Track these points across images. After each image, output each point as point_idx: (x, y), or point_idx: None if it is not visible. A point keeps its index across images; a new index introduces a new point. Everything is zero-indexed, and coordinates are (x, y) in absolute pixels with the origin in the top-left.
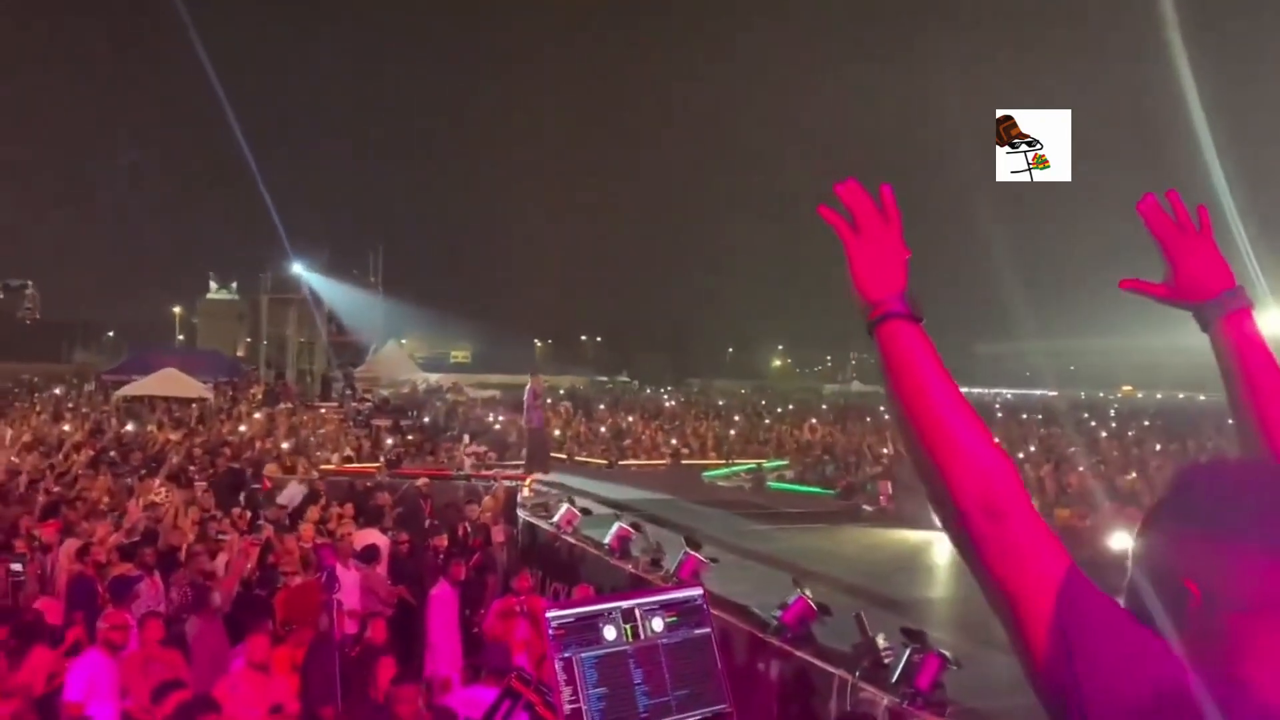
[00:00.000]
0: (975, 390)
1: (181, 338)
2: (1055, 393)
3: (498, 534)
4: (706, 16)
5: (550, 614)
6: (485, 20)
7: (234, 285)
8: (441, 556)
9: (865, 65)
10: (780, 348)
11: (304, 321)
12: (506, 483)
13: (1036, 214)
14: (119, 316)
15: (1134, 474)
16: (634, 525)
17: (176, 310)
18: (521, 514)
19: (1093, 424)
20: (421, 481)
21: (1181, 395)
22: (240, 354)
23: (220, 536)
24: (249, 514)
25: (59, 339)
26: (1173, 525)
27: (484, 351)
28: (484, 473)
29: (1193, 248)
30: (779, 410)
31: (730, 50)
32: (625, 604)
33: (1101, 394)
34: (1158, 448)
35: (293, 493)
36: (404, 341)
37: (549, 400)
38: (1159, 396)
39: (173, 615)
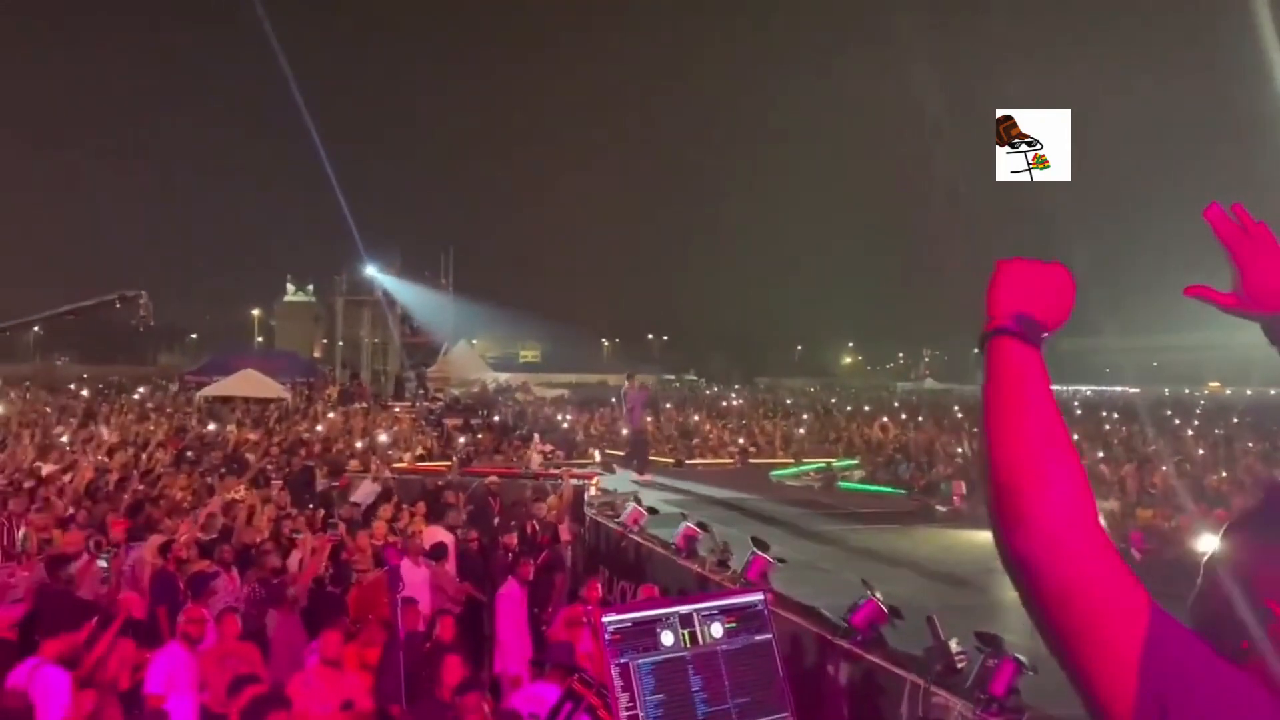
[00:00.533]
0: (1053, 387)
1: (260, 339)
2: (1136, 389)
3: (564, 532)
4: (778, 15)
5: (606, 619)
6: (552, 24)
7: (310, 288)
8: (511, 555)
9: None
10: (850, 345)
11: (378, 323)
12: (574, 481)
13: (1118, 208)
14: (201, 319)
15: (1223, 473)
16: (701, 525)
17: (255, 313)
18: (589, 513)
19: (1176, 421)
20: (491, 480)
21: (1274, 392)
22: (316, 355)
23: (295, 534)
24: (322, 512)
25: (145, 342)
26: (1257, 541)
27: (552, 351)
28: (551, 471)
29: (1263, 255)
30: (849, 409)
31: (800, 51)
32: (683, 609)
33: (1187, 390)
34: (1249, 445)
35: (366, 491)
36: (474, 342)
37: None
38: (1249, 393)
39: (245, 611)
